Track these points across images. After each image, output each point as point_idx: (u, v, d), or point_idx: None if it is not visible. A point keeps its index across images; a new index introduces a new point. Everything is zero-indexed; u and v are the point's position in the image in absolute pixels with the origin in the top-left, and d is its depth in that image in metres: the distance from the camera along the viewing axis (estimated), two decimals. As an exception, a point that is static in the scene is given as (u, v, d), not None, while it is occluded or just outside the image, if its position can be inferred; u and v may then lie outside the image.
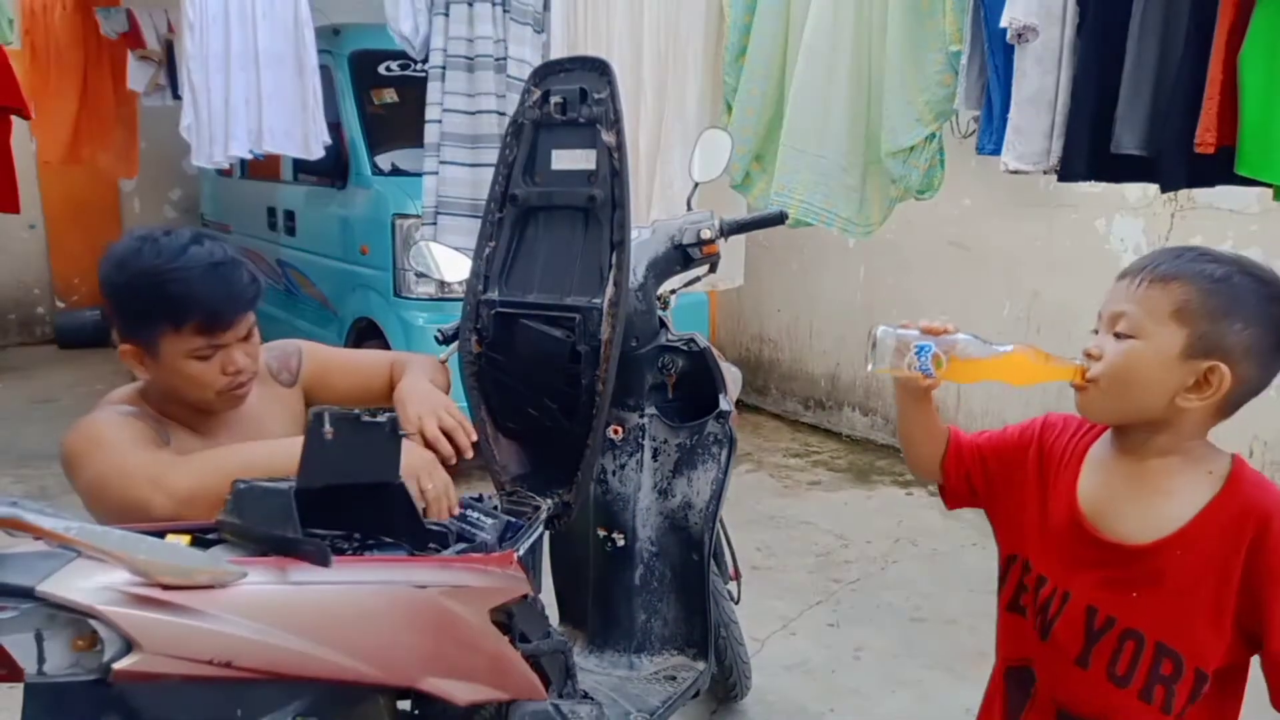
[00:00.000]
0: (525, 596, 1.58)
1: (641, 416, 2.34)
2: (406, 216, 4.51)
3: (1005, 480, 1.48)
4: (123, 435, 1.65)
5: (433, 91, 3.83)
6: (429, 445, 1.77)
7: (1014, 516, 1.46)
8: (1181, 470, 1.29)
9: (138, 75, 5.92)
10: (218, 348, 1.70)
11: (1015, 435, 1.49)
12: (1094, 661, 1.35)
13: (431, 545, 1.56)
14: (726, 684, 2.72)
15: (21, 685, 1.23)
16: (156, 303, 1.66)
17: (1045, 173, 2.89)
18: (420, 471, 1.63)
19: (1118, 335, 1.26)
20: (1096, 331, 1.31)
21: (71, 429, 1.69)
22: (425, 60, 3.88)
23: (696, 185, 2.52)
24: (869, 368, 1.38)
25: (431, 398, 1.88)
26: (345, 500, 1.48)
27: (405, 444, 1.56)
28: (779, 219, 2.68)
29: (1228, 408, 1.27)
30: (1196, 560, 1.26)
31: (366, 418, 1.44)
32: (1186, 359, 1.23)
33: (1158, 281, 1.24)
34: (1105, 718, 1.36)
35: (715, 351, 2.36)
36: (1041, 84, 2.80)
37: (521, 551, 1.64)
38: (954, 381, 1.36)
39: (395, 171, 4.82)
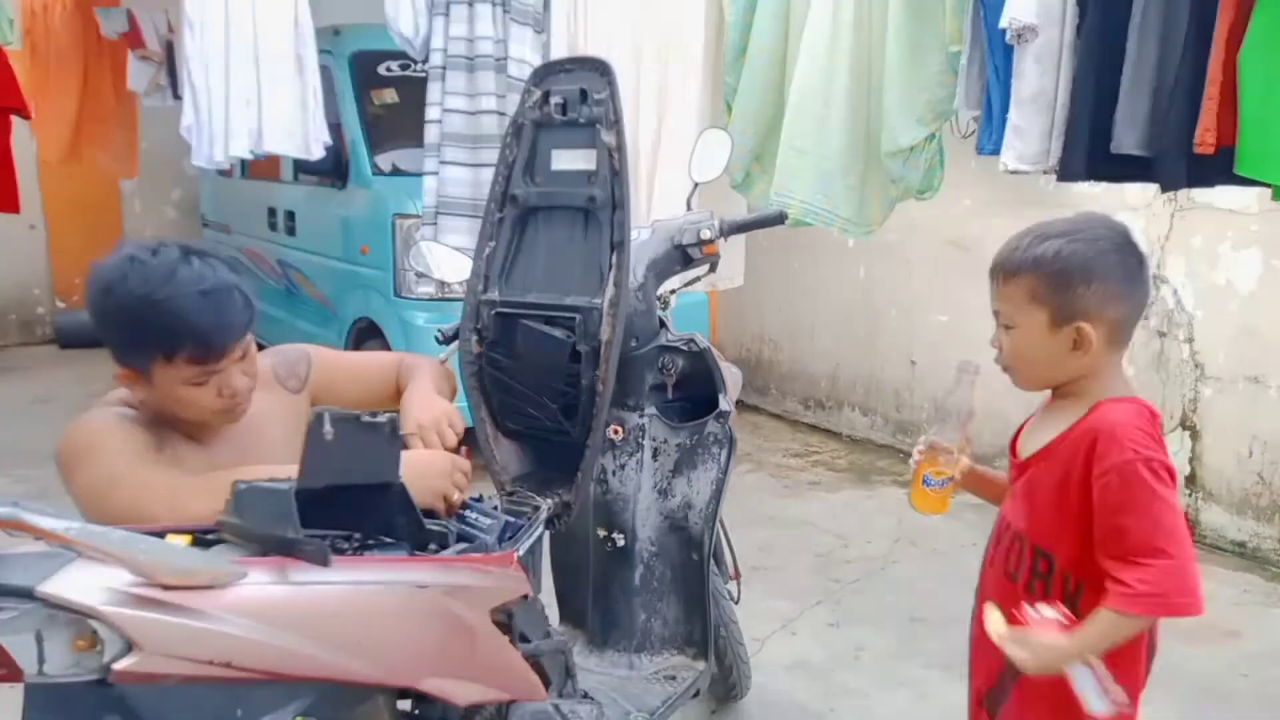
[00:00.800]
0: (525, 596, 1.58)
1: (641, 417, 2.33)
2: (407, 216, 4.50)
3: None
4: (126, 443, 1.62)
5: (433, 92, 3.83)
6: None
7: None
8: (1079, 406, 1.51)
9: (138, 75, 5.90)
10: (213, 373, 1.65)
11: None
12: (998, 561, 1.62)
13: (431, 545, 1.56)
14: (726, 684, 2.72)
15: (22, 685, 1.23)
16: (146, 333, 1.60)
17: (1045, 173, 2.89)
18: (447, 491, 1.66)
19: (1004, 328, 1.52)
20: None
21: (69, 429, 1.66)
22: (425, 60, 3.88)
23: (696, 185, 2.52)
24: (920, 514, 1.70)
25: (434, 408, 1.86)
26: (345, 500, 1.48)
27: (410, 457, 1.57)
28: (779, 219, 2.68)
29: (1116, 341, 1.50)
30: (1052, 472, 1.50)
31: (366, 418, 1.43)
32: (1055, 330, 1.46)
33: (1010, 278, 1.49)
34: (1005, 606, 1.53)
35: (715, 351, 2.35)
36: (1041, 84, 2.80)
37: (521, 551, 1.63)
38: (967, 456, 1.66)
39: (395, 171, 4.82)
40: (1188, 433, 4.02)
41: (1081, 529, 1.45)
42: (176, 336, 1.59)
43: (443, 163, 3.82)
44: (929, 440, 1.63)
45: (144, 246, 1.65)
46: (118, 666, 1.18)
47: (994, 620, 1.45)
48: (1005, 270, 1.49)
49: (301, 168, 5.17)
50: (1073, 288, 1.44)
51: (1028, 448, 1.58)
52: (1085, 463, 1.44)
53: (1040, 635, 1.40)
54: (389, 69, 5.04)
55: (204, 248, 1.71)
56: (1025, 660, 1.40)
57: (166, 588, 1.21)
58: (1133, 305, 1.49)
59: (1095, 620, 1.39)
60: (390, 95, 5.05)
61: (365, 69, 5.03)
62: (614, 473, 2.35)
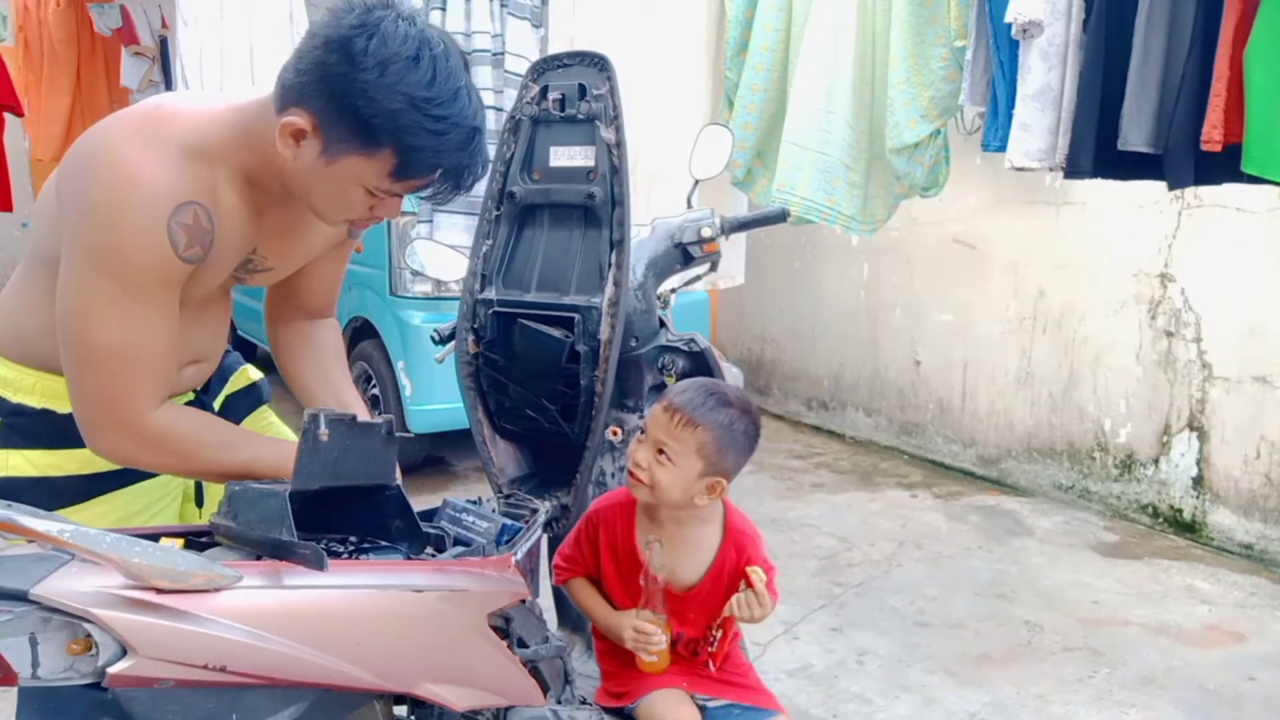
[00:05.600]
0: (523, 600, 1.56)
1: (641, 418, 2.30)
2: (402, 214, 4.47)
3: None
4: (154, 258, 1.37)
5: (430, 88, 3.80)
6: None
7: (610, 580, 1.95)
8: (697, 529, 1.85)
9: (131, 72, 5.89)
10: (392, 194, 1.45)
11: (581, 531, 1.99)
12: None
13: (428, 549, 1.54)
14: (728, 687, 2.69)
15: (15, 689, 1.22)
16: (393, 134, 1.35)
17: (1051, 170, 2.87)
18: None
19: (660, 454, 1.75)
20: (644, 432, 1.81)
21: (99, 148, 1.37)
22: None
23: (697, 182, 2.49)
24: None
25: None
26: (340, 503, 1.46)
27: None
28: (781, 217, 2.65)
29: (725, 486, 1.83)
30: (723, 587, 1.83)
31: (362, 420, 1.42)
32: (701, 478, 1.76)
33: (688, 425, 1.74)
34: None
35: (716, 351, 2.32)
36: (1047, 80, 2.78)
37: (519, 555, 1.61)
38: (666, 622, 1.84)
39: (391, 169, 4.78)
40: (1195, 434, 3.99)
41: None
42: (421, 160, 1.38)
43: (440, 159, 3.79)
44: (637, 626, 1.83)
45: (428, 40, 1.36)
46: (112, 670, 1.16)
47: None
48: (688, 418, 1.74)
49: (297, 165, 5.13)
50: (728, 454, 1.76)
51: (687, 576, 1.86)
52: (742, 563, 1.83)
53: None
54: (386, 65, 5.00)
55: (469, 68, 1.47)
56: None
57: (161, 591, 1.19)
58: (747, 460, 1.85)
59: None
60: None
61: (362, 65, 4.99)
62: (613, 475, 2.32)
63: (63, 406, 1.50)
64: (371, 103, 1.33)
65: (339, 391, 1.78)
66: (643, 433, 1.82)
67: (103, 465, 1.55)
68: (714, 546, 1.87)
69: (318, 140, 1.38)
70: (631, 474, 1.80)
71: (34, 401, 1.55)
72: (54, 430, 1.53)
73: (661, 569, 1.82)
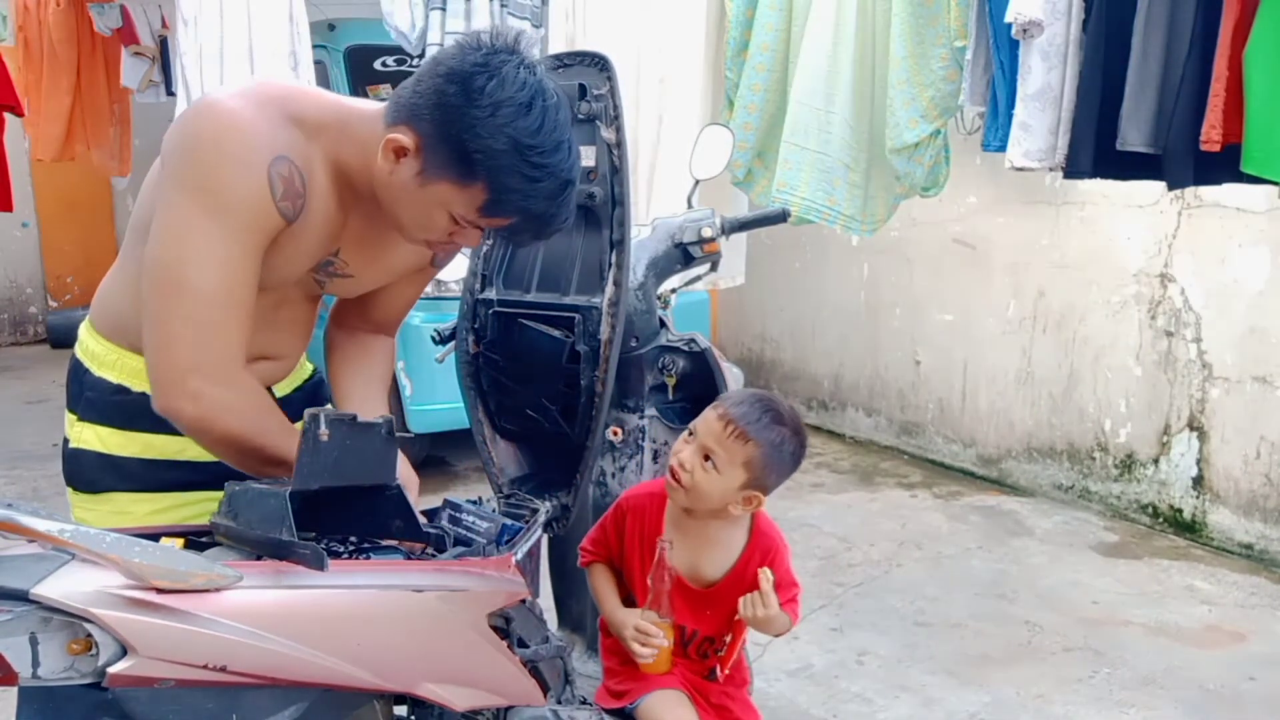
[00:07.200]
0: (523, 600, 1.56)
1: (641, 418, 2.30)
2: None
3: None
4: (253, 222, 1.41)
5: (430, 88, 3.80)
6: None
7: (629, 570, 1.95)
8: (725, 529, 1.87)
9: (131, 72, 5.88)
10: (471, 226, 1.48)
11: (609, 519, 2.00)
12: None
13: (428, 549, 1.54)
14: (727, 688, 2.69)
15: (15, 689, 1.22)
16: (490, 171, 1.39)
17: (1051, 170, 2.87)
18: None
19: (706, 460, 1.76)
20: (691, 433, 1.80)
21: (208, 113, 1.44)
22: (421, 55, 3.85)
23: (697, 182, 2.49)
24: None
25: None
26: (341, 503, 1.46)
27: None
28: (781, 217, 2.65)
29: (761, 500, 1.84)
30: (743, 590, 1.83)
31: (362, 420, 1.41)
32: (742, 490, 1.78)
33: (739, 438, 1.75)
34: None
35: (716, 351, 2.32)
36: (1047, 80, 2.78)
37: (519, 555, 1.61)
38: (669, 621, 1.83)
39: (391, 169, 4.78)
40: (1195, 434, 3.99)
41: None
42: (510, 201, 1.42)
43: (440, 159, 3.79)
44: (639, 625, 1.83)
45: (543, 90, 1.41)
46: (113, 670, 1.16)
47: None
48: (740, 430, 1.75)
49: (296, 165, 5.13)
50: (773, 472, 1.78)
51: (708, 573, 1.88)
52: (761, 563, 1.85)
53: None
54: (385, 64, 5.01)
55: (571, 128, 1.49)
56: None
57: (161, 591, 1.19)
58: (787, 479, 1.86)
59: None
60: (386, 90, 5.02)
61: (361, 64, 5.01)
62: (613, 475, 2.32)
63: (137, 384, 1.54)
64: (477, 138, 1.37)
65: (374, 407, 1.79)
66: (690, 433, 1.81)
67: (160, 453, 1.58)
68: (739, 548, 1.87)
69: (417, 161, 1.42)
70: (673, 472, 1.79)
71: (112, 377, 1.59)
72: (123, 410, 1.58)
73: (673, 569, 1.81)
